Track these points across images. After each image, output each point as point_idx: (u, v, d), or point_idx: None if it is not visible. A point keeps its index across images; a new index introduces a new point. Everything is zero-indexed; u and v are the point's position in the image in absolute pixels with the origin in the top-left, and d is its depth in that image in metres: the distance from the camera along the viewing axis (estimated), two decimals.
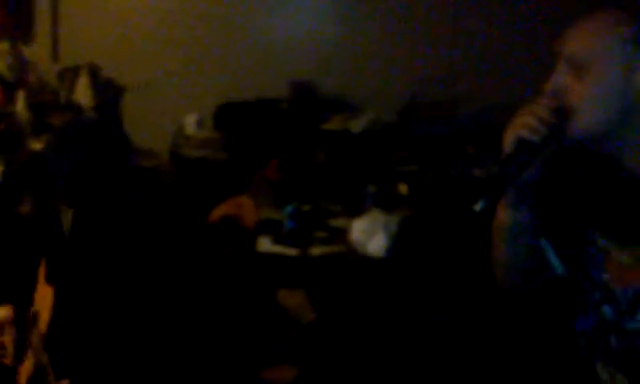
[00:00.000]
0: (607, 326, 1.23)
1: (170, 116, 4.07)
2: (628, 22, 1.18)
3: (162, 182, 2.30)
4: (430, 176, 3.52)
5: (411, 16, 4.10)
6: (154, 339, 1.90)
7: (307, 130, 3.84)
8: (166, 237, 1.96)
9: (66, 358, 1.93)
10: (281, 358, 2.64)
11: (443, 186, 3.42)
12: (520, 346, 2.27)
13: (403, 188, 3.28)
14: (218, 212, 2.52)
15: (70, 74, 3.99)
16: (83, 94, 3.92)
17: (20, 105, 3.60)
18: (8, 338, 2.03)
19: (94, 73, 3.95)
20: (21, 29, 4.13)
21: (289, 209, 2.85)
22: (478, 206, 1.16)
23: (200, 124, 4.02)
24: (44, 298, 2.04)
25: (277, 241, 2.83)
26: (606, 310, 1.23)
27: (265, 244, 2.80)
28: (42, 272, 2.09)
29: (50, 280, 2.05)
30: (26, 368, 2.04)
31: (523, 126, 1.20)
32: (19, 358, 2.05)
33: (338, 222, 3.02)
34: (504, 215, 1.30)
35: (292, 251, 2.79)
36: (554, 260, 1.33)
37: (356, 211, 2.98)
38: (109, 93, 3.99)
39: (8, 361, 2.08)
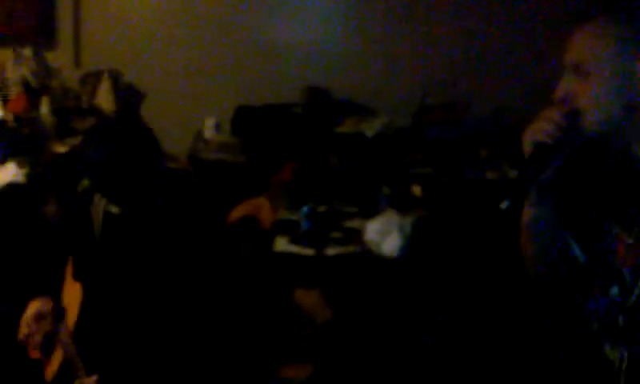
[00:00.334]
0: (615, 306, 1.32)
1: (188, 120, 4.13)
2: (623, 24, 1.26)
3: (185, 184, 2.35)
4: (444, 179, 3.54)
5: (413, 16, 4.14)
6: (175, 335, 1.95)
7: (321, 133, 3.87)
8: (188, 236, 2.01)
9: (95, 354, 1.97)
10: (296, 356, 2.69)
11: (457, 188, 3.45)
12: (533, 334, 2.30)
13: (417, 190, 3.29)
14: (236, 213, 2.57)
15: (91, 80, 4.05)
16: (105, 99, 3.98)
17: (44, 109, 3.66)
18: (41, 330, 2.07)
19: (115, 78, 4.02)
20: (44, 35, 4.19)
21: (305, 210, 2.87)
22: (503, 205, 1.29)
23: (218, 128, 4.07)
24: (72, 294, 2.09)
25: (293, 241, 2.85)
26: (614, 291, 1.32)
27: (281, 244, 2.82)
28: (69, 270, 2.15)
29: (77, 277, 2.11)
30: (55, 363, 2.08)
31: (539, 130, 1.31)
32: (47, 352, 2.10)
33: (352, 223, 3.04)
34: (528, 213, 1.41)
35: (308, 251, 2.81)
36: (577, 250, 1.43)
37: (370, 212, 3.00)
38: (130, 97, 4.05)
39: (36, 353, 2.15)
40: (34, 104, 3.73)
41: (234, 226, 2.49)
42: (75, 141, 3.48)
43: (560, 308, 1.46)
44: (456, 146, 3.79)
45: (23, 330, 2.07)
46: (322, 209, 2.98)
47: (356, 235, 2.91)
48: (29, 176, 3.13)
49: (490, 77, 4.04)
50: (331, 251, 2.82)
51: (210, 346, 2.00)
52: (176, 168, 3.49)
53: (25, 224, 2.90)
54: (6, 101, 3.69)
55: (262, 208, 2.61)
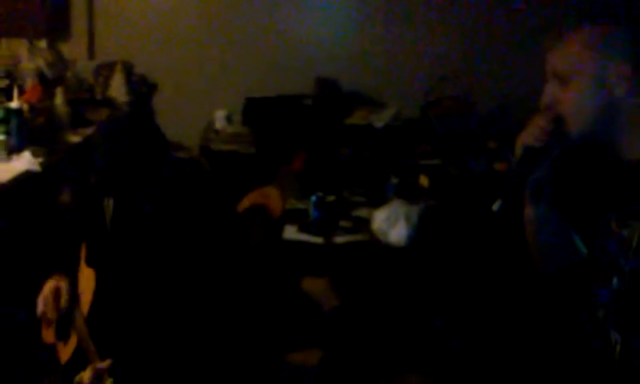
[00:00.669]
0: (617, 296, 1.37)
1: (200, 111, 4.16)
2: (598, 37, 1.36)
3: (197, 173, 2.38)
4: (453, 170, 3.56)
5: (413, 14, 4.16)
6: (186, 321, 1.99)
7: (331, 124, 3.89)
8: (199, 224, 2.05)
9: (109, 338, 2.00)
10: (305, 342, 2.72)
11: (465, 179, 3.46)
12: (539, 320, 2.33)
13: (425, 180, 3.30)
14: (247, 201, 2.59)
15: (105, 71, 4.10)
16: (118, 90, 4.03)
17: (59, 100, 3.69)
18: (57, 307, 2.10)
19: (128, 69, 4.07)
20: (58, 27, 4.23)
21: (314, 199, 2.89)
22: (495, 207, 1.39)
23: (229, 119, 4.10)
24: (86, 280, 2.12)
25: (302, 229, 2.87)
26: (615, 281, 1.38)
27: (291, 232, 2.84)
28: (83, 256, 2.19)
29: (90, 264, 2.14)
30: (69, 348, 2.12)
31: (528, 135, 1.43)
32: (61, 337, 2.15)
33: (361, 212, 3.05)
34: (528, 211, 1.51)
35: (317, 239, 2.83)
36: (579, 242, 1.51)
37: (378, 202, 3.02)
38: (142, 89, 4.10)
39: (50, 338, 2.20)
40: (48, 95, 3.75)
41: (244, 214, 2.52)
42: (89, 131, 3.53)
43: (566, 298, 1.51)
44: (464, 137, 3.81)
45: (40, 306, 2.11)
46: (330, 198, 2.99)
47: (364, 224, 2.92)
48: (43, 165, 3.17)
49: (491, 74, 4.06)
50: (339, 239, 2.84)
51: (220, 332, 2.04)
52: (188, 158, 3.53)
53: (39, 212, 2.96)
54: (21, 91, 3.74)
55: (272, 197, 2.63)
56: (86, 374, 1.84)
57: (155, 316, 2.01)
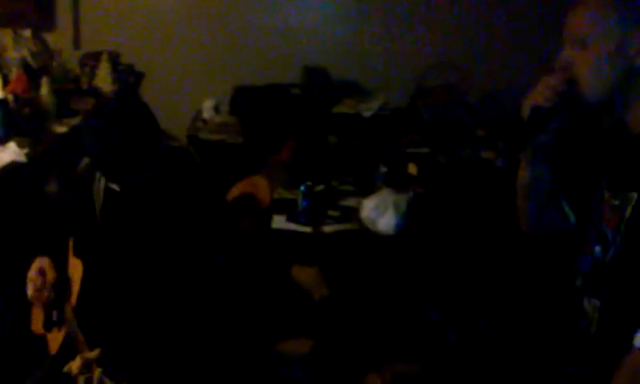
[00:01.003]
0: (598, 264, 1.39)
1: (187, 101, 4.14)
2: (619, 2, 1.35)
3: (186, 162, 2.38)
4: (441, 159, 3.57)
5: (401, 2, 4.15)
6: (174, 310, 1.99)
7: (319, 113, 3.88)
8: (188, 213, 2.04)
9: (97, 328, 2.01)
10: (296, 331, 2.72)
11: (453, 167, 3.47)
12: (527, 302, 2.34)
13: (413, 168, 3.30)
14: (235, 191, 2.60)
15: (90, 61, 4.07)
16: (104, 80, 4.00)
17: (44, 90, 3.66)
18: (47, 286, 2.10)
19: (114, 59, 4.04)
20: (43, 17, 4.18)
21: (302, 188, 2.89)
22: (499, 163, 1.39)
23: (217, 109, 4.07)
24: (74, 271, 2.12)
25: (291, 219, 2.87)
26: (597, 249, 1.40)
27: (279, 222, 2.84)
28: (70, 247, 2.18)
29: (78, 254, 2.14)
30: (58, 338, 2.12)
31: (538, 94, 1.40)
32: (50, 327, 2.15)
33: (349, 201, 3.06)
34: (524, 172, 1.50)
35: (305, 229, 2.83)
36: (568, 211, 1.51)
37: (367, 191, 3.02)
38: (129, 78, 4.07)
39: (39, 329, 2.19)
40: (34, 85, 3.73)
41: (232, 204, 2.51)
42: (75, 121, 3.50)
43: (550, 267, 1.53)
44: (453, 126, 3.81)
45: (30, 289, 2.11)
46: (319, 187, 2.99)
47: (352, 213, 2.93)
48: (29, 156, 3.15)
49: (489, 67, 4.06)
50: (328, 229, 2.85)
51: (209, 322, 2.04)
52: (179, 146, 3.52)
53: (27, 203, 2.94)
54: (6, 82, 3.71)
55: (261, 186, 2.63)
56: (75, 364, 1.85)
57: (144, 305, 2.01)
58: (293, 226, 2.85)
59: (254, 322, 2.39)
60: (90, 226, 2.14)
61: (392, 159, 3.37)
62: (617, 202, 1.38)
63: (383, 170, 3.18)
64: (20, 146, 3.16)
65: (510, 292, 2.42)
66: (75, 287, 2.11)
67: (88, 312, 2.06)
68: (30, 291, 2.11)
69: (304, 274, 2.84)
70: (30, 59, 3.93)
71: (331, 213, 2.96)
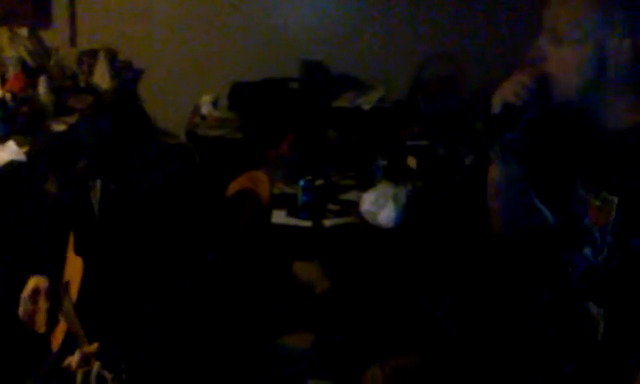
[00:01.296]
0: (590, 266, 1.36)
1: (186, 97, 4.14)
2: (601, 2, 1.31)
3: (184, 159, 2.38)
4: (440, 151, 3.56)
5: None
6: (174, 305, 1.98)
7: (318, 107, 3.88)
8: (186, 210, 2.04)
9: (97, 323, 2.01)
10: (297, 325, 2.73)
11: (452, 160, 3.46)
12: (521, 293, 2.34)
13: (412, 161, 3.30)
14: (235, 186, 2.59)
15: (88, 58, 4.06)
16: (101, 77, 4.00)
17: (42, 88, 3.66)
18: (41, 308, 2.12)
19: (111, 56, 4.03)
20: (39, 15, 4.18)
21: (302, 183, 2.88)
22: (468, 161, 1.34)
23: (215, 104, 4.07)
24: (74, 268, 2.12)
25: (291, 213, 2.86)
26: (587, 251, 1.36)
27: (279, 216, 2.83)
28: (70, 244, 2.19)
29: (78, 252, 2.14)
30: (59, 333, 2.13)
31: (509, 91, 1.36)
32: (50, 326, 2.15)
33: (349, 195, 3.05)
34: (494, 170, 1.46)
35: (305, 223, 2.82)
36: (545, 211, 1.47)
37: (367, 184, 3.01)
38: (126, 75, 4.07)
39: (39, 330, 2.19)
40: (31, 83, 3.73)
41: (232, 199, 2.51)
42: (73, 119, 3.50)
43: (540, 267, 1.49)
44: (452, 119, 3.80)
45: (20, 309, 2.12)
46: (319, 182, 2.98)
47: (352, 206, 2.92)
48: (28, 154, 3.15)
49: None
50: (328, 223, 2.83)
51: (211, 317, 2.03)
52: (176, 144, 3.51)
53: (26, 201, 2.94)
54: (3, 80, 3.70)
55: (260, 181, 2.63)
56: (74, 359, 1.85)
57: (143, 300, 2.01)
58: (293, 221, 2.84)
59: (254, 317, 2.38)
60: (89, 224, 2.14)
61: (391, 152, 3.36)
62: (599, 203, 1.35)
63: (382, 163, 3.17)
64: (19, 144, 3.16)
65: (509, 286, 2.41)
66: (75, 284, 2.11)
67: (88, 307, 2.06)
68: (20, 313, 2.12)
69: (305, 269, 2.85)
70: (27, 58, 3.92)
71: (331, 207, 2.95)
